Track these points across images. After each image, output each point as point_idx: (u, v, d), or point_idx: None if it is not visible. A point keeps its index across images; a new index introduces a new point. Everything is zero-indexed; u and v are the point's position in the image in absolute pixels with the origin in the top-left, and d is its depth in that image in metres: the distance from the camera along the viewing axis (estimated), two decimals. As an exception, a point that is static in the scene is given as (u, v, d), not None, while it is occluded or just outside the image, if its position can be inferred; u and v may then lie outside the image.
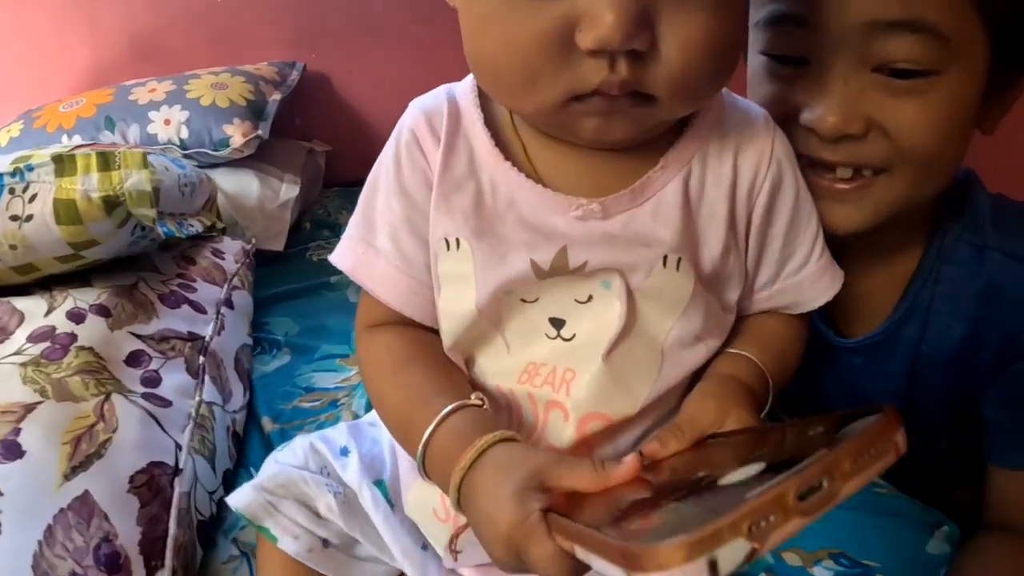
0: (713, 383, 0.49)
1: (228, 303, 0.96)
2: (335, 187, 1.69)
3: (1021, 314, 0.57)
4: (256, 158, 1.42)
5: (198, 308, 0.90)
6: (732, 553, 0.27)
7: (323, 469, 0.59)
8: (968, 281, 0.59)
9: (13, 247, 0.79)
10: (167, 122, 1.40)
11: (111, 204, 0.76)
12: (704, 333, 0.50)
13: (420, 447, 0.45)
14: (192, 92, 1.44)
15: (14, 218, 0.78)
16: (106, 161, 0.77)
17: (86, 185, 0.75)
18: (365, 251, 0.51)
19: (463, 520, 0.46)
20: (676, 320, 0.48)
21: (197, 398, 0.76)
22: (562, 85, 0.41)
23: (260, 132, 1.38)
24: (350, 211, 0.54)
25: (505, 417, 0.50)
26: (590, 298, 0.48)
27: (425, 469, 0.46)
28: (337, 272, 0.53)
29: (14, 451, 0.61)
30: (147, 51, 1.76)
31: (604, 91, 0.40)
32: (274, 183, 1.41)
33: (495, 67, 0.43)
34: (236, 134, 1.36)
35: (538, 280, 0.47)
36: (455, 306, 0.49)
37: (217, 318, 0.90)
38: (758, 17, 0.56)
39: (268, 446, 0.80)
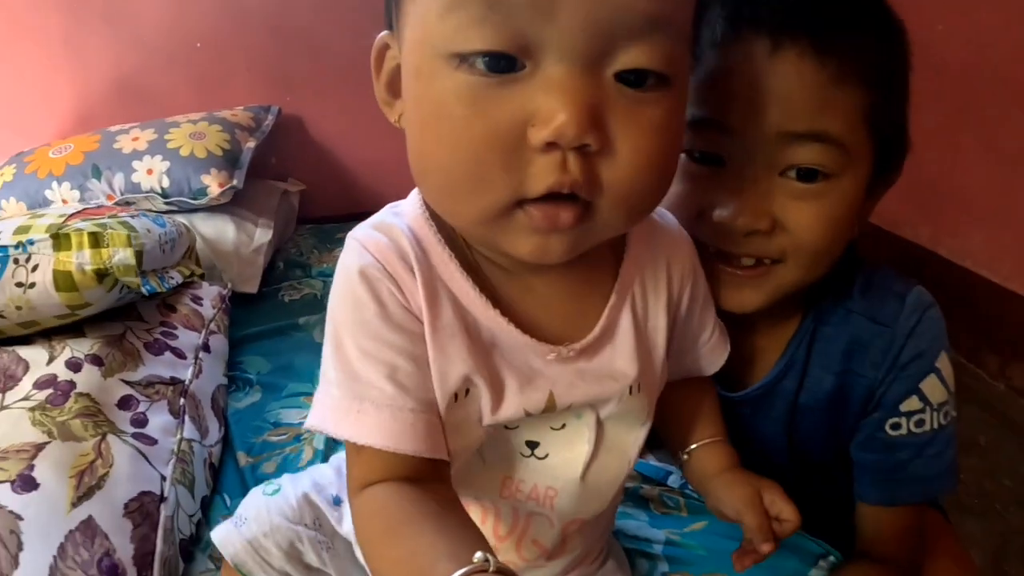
0: (730, 480, 0.59)
1: (206, 347, 1.09)
2: (308, 224, 1.79)
3: (877, 369, 0.65)
4: (232, 203, 1.51)
5: (179, 354, 1.04)
6: None
7: (315, 521, 0.63)
8: (837, 340, 0.67)
9: (19, 308, 0.93)
10: (149, 171, 1.48)
11: (101, 275, 0.91)
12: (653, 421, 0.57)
13: None
14: (172, 142, 1.53)
15: (19, 284, 0.92)
16: (96, 240, 0.91)
17: (80, 259, 0.89)
18: (360, 409, 0.45)
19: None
20: (640, 430, 0.55)
21: (179, 436, 0.90)
22: (512, 184, 0.40)
23: (235, 182, 1.48)
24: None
25: (491, 523, 0.56)
26: (563, 426, 0.53)
27: None
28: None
29: (30, 484, 0.74)
30: (132, 93, 1.82)
31: (555, 190, 0.40)
32: (249, 227, 1.51)
33: (442, 168, 0.42)
34: (213, 184, 1.46)
35: (525, 418, 0.51)
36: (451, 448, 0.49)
37: (195, 363, 1.04)
38: None
39: (241, 477, 0.94)
